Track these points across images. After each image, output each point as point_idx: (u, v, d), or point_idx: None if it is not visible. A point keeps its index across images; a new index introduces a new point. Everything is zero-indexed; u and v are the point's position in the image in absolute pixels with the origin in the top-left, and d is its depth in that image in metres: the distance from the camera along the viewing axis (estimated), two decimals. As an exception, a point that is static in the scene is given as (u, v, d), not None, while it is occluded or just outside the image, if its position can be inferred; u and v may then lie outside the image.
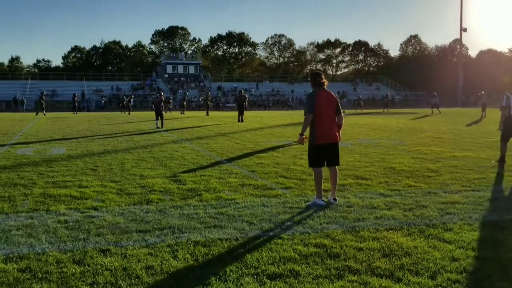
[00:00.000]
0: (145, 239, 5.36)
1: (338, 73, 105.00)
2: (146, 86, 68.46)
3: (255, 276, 4.31)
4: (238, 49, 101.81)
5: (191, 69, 75.75)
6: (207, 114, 39.73)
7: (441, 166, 10.59)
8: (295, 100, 67.89)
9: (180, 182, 8.78)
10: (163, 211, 6.65)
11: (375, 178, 9.09)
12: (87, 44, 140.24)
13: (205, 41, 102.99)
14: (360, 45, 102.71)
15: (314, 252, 4.92)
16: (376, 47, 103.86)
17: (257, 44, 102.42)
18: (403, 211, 6.62)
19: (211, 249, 5.02)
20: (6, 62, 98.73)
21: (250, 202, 7.17)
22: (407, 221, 6.10)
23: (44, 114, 39.64)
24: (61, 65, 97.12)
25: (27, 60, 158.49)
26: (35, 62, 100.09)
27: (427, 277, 4.28)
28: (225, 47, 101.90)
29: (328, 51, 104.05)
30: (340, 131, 7.26)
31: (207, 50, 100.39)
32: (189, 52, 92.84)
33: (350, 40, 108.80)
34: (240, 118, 28.74)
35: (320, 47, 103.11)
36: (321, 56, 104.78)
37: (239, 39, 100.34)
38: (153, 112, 25.57)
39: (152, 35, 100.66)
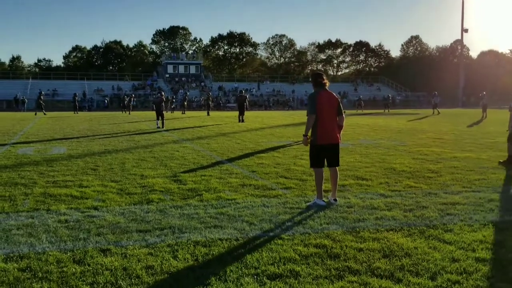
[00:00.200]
0: (145, 239, 5.36)
1: (339, 73, 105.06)
2: (147, 86, 68.49)
3: (255, 276, 4.31)
4: (239, 49, 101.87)
5: (192, 69, 75.77)
6: (208, 114, 39.75)
7: (442, 167, 10.58)
8: (296, 100, 67.90)
9: (181, 182, 8.78)
10: (163, 211, 6.65)
11: (376, 179, 9.09)
12: (88, 43, 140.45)
13: (206, 41, 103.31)
14: (361, 46, 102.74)
15: (314, 253, 4.92)
16: (377, 47, 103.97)
17: (258, 44, 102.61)
18: (404, 211, 6.62)
19: (211, 249, 5.02)
20: (7, 62, 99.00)
21: (250, 202, 7.18)
22: (408, 222, 6.09)
23: (44, 114, 39.64)
24: (62, 65, 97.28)
25: (28, 59, 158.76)
26: (36, 61, 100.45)
27: (427, 277, 4.28)
28: (226, 47, 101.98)
29: (329, 52, 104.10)
30: (341, 132, 7.26)
31: (208, 50, 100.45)
32: (190, 52, 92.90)
33: (351, 41, 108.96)
34: (240, 118, 28.75)
35: (321, 47, 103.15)
36: (322, 56, 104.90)
37: (240, 39, 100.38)
38: (154, 112, 25.58)
39: (153, 35, 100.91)
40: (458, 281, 4.19)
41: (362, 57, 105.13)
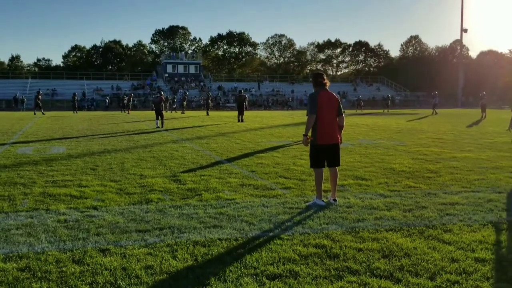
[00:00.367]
0: (144, 239, 5.36)
1: (339, 73, 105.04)
2: (146, 86, 68.46)
3: (255, 277, 4.31)
4: (239, 49, 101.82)
5: (192, 69, 75.74)
6: (207, 113, 39.75)
7: (441, 167, 10.58)
8: (295, 100, 67.93)
9: (180, 182, 8.78)
10: (162, 211, 6.65)
11: (375, 179, 9.09)
12: (87, 43, 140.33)
13: (205, 40, 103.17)
14: (361, 46, 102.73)
15: (313, 253, 4.92)
16: (377, 47, 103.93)
17: (258, 44, 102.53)
18: (403, 212, 6.62)
19: (210, 249, 5.02)
20: (6, 61, 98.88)
21: (249, 202, 7.17)
22: (407, 222, 6.09)
23: (43, 113, 39.60)
24: (61, 64, 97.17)
25: (28, 59, 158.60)
26: (36, 61, 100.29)
27: (427, 278, 4.28)
28: (225, 47, 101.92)
29: (329, 51, 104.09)
30: (342, 132, 7.26)
31: (207, 49, 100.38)
32: (190, 51, 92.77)
33: (350, 41, 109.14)
34: (240, 118, 28.74)
35: (321, 47, 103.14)
36: (322, 56, 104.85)
37: (239, 39, 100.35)
38: (153, 112, 25.57)
39: (153, 34, 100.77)
40: (458, 281, 4.19)
41: (361, 57, 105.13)
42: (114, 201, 7.23)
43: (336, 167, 7.20)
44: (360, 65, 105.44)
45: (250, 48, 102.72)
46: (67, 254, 4.86)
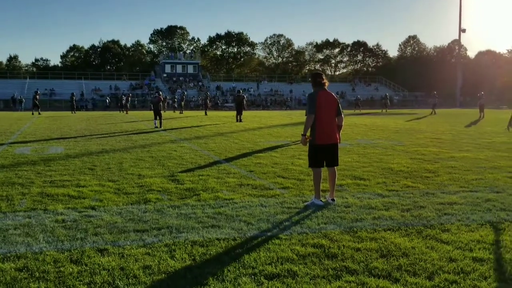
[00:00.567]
0: (142, 239, 5.36)
1: (337, 73, 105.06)
2: (144, 86, 68.43)
3: (253, 276, 4.31)
4: (237, 49, 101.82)
5: (190, 69, 75.71)
6: (206, 113, 39.74)
7: (439, 166, 10.59)
8: (293, 100, 67.95)
9: (178, 181, 8.78)
10: (161, 210, 6.65)
11: (373, 179, 9.09)
12: (85, 43, 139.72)
13: (203, 40, 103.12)
14: (359, 46, 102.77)
15: (311, 252, 4.92)
16: (375, 47, 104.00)
17: (256, 44, 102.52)
18: (401, 211, 6.63)
19: (208, 249, 5.02)
20: (4, 61, 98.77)
21: (248, 202, 7.17)
22: (405, 222, 6.10)
23: (39, 114, 39.55)
24: (59, 64, 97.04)
25: (26, 59, 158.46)
26: (34, 61, 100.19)
27: (425, 277, 4.29)
28: (223, 47, 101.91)
29: (327, 51, 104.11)
30: (340, 132, 7.26)
31: (205, 49, 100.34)
32: (188, 51, 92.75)
33: (348, 41, 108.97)
34: (238, 118, 28.75)
35: (319, 47, 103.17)
36: (320, 56, 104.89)
37: (237, 39, 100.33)
38: (151, 112, 25.56)
39: (151, 34, 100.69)
40: (456, 281, 4.20)
41: (359, 57, 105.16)
42: (112, 201, 7.22)
43: (335, 167, 7.21)
44: (359, 65, 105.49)
45: (249, 48, 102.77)
46: (65, 254, 4.86)
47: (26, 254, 4.85)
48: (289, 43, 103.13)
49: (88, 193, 7.73)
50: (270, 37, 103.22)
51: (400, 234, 5.57)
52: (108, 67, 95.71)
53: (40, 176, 9.31)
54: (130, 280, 4.22)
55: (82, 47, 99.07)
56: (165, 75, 73.04)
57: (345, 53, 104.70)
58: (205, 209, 6.74)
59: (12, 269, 4.43)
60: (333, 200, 7.15)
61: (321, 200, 7.05)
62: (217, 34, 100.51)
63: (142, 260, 4.69)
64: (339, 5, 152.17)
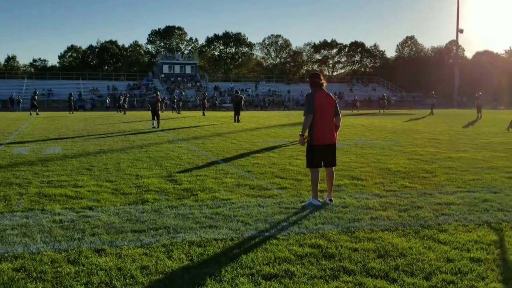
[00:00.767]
0: (140, 239, 5.35)
1: (335, 73, 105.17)
2: (142, 86, 68.39)
3: (250, 277, 4.30)
4: (235, 49, 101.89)
5: (188, 69, 75.71)
6: (204, 114, 39.73)
7: (437, 167, 10.61)
8: (291, 100, 67.97)
9: (176, 182, 8.77)
10: (158, 211, 6.64)
11: (371, 179, 9.10)
12: (83, 43, 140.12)
13: (201, 41, 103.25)
14: (357, 46, 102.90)
15: (309, 253, 4.92)
16: (373, 48, 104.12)
17: (254, 44, 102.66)
18: (399, 212, 6.63)
19: (206, 249, 5.02)
20: (2, 61, 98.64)
21: (245, 202, 7.17)
22: (402, 222, 6.10)
23: (37, 114, 39.50)
24: (57, 65, 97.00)
25: (23, 59, 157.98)
26: (31, 61, 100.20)
27: (422, 277, 4.29)
28: (221, 47, 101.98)
29: (325, 52, 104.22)
30: (337, 132, 7.27)
31: (203, 50, 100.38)
32: (186, 52, 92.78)
33: (346, 41, 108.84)
34: (236, 118, 28.76)
35: (317, 47, 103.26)
36: (318, 56, 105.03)
37: (235, 39, 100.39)
38: (149, 112, 25.55)
39: (149, 35, 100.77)
40: (453, 281, 4.20)
41: (357, 58, 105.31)
42: (109, 201, 7.22)
43: (333, 167, 7.21)
44: (356, 66, 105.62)
45: (247, 49, 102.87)
46: (62, 254, 4.85)
47: (24, 254, 4.84)
48: (287, 44, 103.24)
49: (86, 194, 7.72)
50: (268, 37, 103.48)
51: (397, 234, 5.57)
52: (106, 67, 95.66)
53: (38, 176, 9.29)
54: (127, 280, 4.22)
55: (80, 48, 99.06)
56: (163, 75, 73.02)
57: (342, 54, 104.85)
58: (203, 209, 6.74)
59: (10, 269, 4.42)
60: (330, 200, 7.15)
61: (318, 201, 7.05)
62: (215, 35, 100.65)
63: (140, 261, 4.68)
64: (336, 6, 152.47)
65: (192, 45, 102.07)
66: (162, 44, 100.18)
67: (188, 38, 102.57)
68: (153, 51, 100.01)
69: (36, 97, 43.05)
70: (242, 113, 30.45)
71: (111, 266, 4.54)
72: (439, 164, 11.05)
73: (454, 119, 32.99)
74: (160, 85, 69.69)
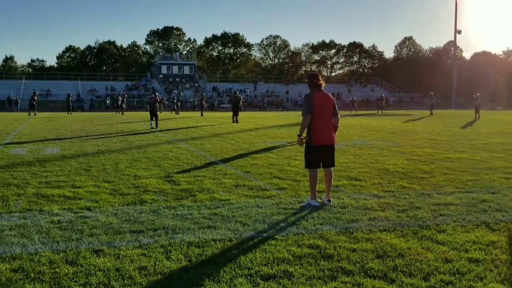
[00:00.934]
0: (138, 240, 5.35)
1: (333, 74, 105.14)
2: (140, 87, 68.35)
3: (249, 277, 4.30)
4: (233, 50, 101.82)
5: (186, 70, 75.67)
6: (202, 114, 39.72)
7: (435, 167, 10.62)
8: (289, 101, 67.97)
9: (174, 182, 8.77)
10: (156, 211, 6.64)
11: (369, 180, 9.10)
12: (81, 44, 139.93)
13: (200, 41, 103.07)
14: (355, 47, 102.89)
15: (307, 253, 4.92)
16: (371, 48, 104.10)
17: (252, 45, 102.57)
18: (397, 212, 6.63)
19: (204, 250, 5.01)
20: (0, 62, 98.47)
21: (244, 203, 7.17)
22: (401, 223, 6.11)
23: (35, 114, 39.47)
24: (55, 65, 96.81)
25: (21, 59, 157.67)
26: (29, 61, 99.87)
27: (420, 278, 4.29)
28: (220, 48, 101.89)
29: (323, 53, 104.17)
30: (336, 133, 7.27)
31: (202, 50, 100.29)
32: (184, 52, 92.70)
33: (344, 42, 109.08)
34: (234, 119, 28.77)
35: (315, 48, 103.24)
36: (316, 57, 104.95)
37: (234, 39, 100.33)
38: (147, 112, 25.54)
39: (147, 35, 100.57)
40: (451, 282, 4.20)
41: (355, 58, 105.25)
42: (108, 202, 7.21)
43: (331, 168, 7.21)
44: (355, 66, 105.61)
45: (245, 49, 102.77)
46: (61, 255, 4.84)
47: (22, 255, 4.83)
48: (285, 44, 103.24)
49: (84, 194, 7.71)
50: (266, 38, 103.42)
51: (396, 235, 5.57)
52: (104, 67, 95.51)
53: (36, 177, 9.28)
54: (125, 281, 4.21)
55: (78, 48, 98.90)
56: (161, 76, 72.97)
57: (341, 54, 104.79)
58: (201, 210, 6.74)
59: (7, 270, 4.42)
60: (329, 201, 7.15)
61: (317, 201, 7.05)
62: (213, 35, 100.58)
63: (138, 261, 4.68)
64: (335, 6, 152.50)
65: (191, 45, 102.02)
66: (160, 44, 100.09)
67: (186, 38, 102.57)
68: (152, 52, 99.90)
69: (35, 97, 43.02)
70: (240, 114, 30.44)
71: (109, 266, 4.53)
72: (437, 164, 11.06)
73: (452, 119, 33.03)
74: (158, 85, 69.64)
